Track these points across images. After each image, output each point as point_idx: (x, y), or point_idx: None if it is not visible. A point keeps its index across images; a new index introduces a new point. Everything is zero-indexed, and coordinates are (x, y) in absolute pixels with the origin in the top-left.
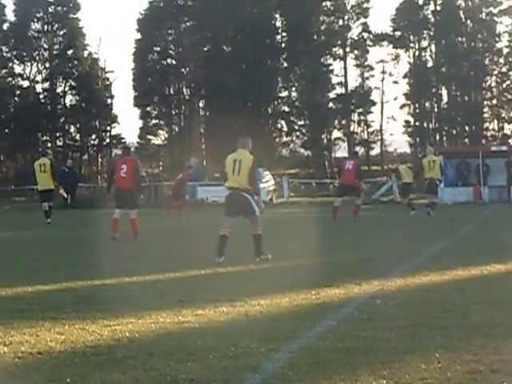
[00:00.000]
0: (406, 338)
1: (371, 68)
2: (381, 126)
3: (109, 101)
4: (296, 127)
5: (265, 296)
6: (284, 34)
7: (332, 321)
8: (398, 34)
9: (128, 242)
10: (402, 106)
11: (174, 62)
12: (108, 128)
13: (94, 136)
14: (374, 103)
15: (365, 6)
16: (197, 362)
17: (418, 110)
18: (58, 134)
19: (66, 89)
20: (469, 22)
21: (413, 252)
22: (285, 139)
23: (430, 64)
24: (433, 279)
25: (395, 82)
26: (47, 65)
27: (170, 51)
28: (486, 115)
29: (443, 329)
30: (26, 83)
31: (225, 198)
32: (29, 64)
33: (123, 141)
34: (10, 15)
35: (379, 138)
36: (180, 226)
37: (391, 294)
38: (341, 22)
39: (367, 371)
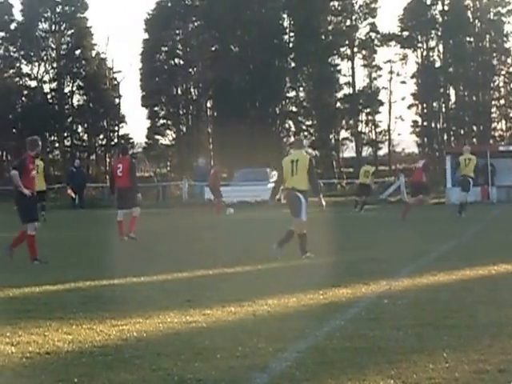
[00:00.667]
0: (413, 337)
1: (379, 68)
2: (388, 125)
3: (116, 101)
4: (304, 127)
5: (272, 296)
6: (292, 34)
7: (339, 320)
8: (405, 33)
9: (136, 241)
10: (410, 106)
11: (181, 62)
12: (116, 128)
13: (101, 136)
14: (381, 103)
15: (372, 6)
16: (204, 362)
17: (425, 110)
18: (65, 134)
19: (74, 89)
20: (477, 21)
21: (420, 252)
22: (292, 139)
23: (437, 64)
24: (440, 279)
25: (403, 82)
26: (55, 65)
27: (178, 51)
28: (493, 115)
29: (451, 328)
30: (33, 83)
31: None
32: (36, 64)
33: (131, 141)
34: (18, 15)
35: (387, 137)
36: (187, 227)
37: (399, 293)
38: (348, 22)
39: (375, 371)
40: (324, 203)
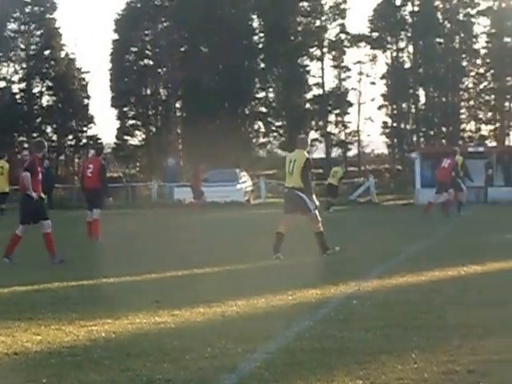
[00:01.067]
0: (382, 338)
1: (348, 69)
2: (358, 126)
3: (85, 101)
4: (273, 128)
5: (241, 297)
6: (261, 34)
7: (309, 321)
8: (375, 34)
9: (105, 242)
10: (380, 107)
11: (150, 62)
12: (85, 128)
13: (70, 136)
14: (351, 104)
15: (342, 6)
16: (173, 363)
17: (395, 111)
18: (34, 135)
19: (43, 89)
20: (446, 22)
21: (390, 253)
22: (262, 140)
23: (407, 65)
24: (410, 280)
25: (372, 83)
26: (24, 65)
27: (147, 52)
28: (463, 116)
29: (420, 329)
30: (2, 84)
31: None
32: (5, 64)
33: (100, 141)
34: None
35: (356, 138)
36: (157, 227)
37: (368, 294)
38: (318, 22)
39: (343, 371)
40: (317, 203)
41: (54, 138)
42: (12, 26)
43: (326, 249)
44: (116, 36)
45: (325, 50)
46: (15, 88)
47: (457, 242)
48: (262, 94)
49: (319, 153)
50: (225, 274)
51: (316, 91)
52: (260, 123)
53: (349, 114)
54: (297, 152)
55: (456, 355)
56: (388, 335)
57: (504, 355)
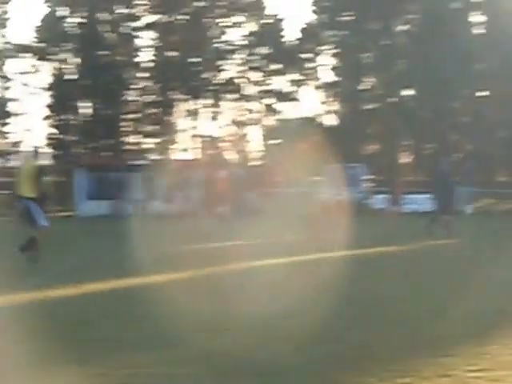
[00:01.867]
0: (34, 352)
1: (10, 79)
2: (20, 137)
3: None
4: None
5: None
6: None
7: None
8: (40, 45)
9: None
10: (45, 118)
11: None
12: None
13: None
14: (12, 114)
15: (4, 16)
16: None
17: (60, 122)
18: None
19: None
20: (110, 35)
21: (46, 266)
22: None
23: (72, 76)
24: (67, 292)
25: (36, 94)
26: None
27: None
28: (126, 129)
29: (77, 342)
30: None
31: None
32: None
33: None
34: None
35: (18, 149)
36: None
37: (22, 306)
38: None
39: None
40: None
41: None
42: None
43: (24, 250)
44: None
45: None
46: None
47: (116, 255)
48: None
49: None
50: None
51: None
52: None
53: (9, 124)
54: (26, 161)
55: (109, 368)
56: (42, 348)
57: (153, 369)
